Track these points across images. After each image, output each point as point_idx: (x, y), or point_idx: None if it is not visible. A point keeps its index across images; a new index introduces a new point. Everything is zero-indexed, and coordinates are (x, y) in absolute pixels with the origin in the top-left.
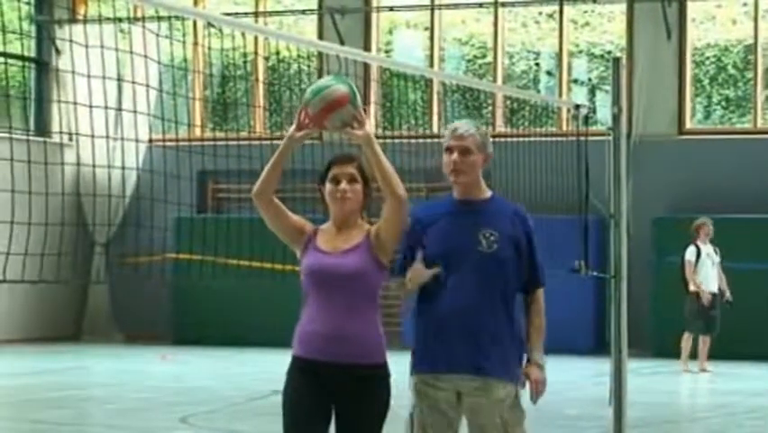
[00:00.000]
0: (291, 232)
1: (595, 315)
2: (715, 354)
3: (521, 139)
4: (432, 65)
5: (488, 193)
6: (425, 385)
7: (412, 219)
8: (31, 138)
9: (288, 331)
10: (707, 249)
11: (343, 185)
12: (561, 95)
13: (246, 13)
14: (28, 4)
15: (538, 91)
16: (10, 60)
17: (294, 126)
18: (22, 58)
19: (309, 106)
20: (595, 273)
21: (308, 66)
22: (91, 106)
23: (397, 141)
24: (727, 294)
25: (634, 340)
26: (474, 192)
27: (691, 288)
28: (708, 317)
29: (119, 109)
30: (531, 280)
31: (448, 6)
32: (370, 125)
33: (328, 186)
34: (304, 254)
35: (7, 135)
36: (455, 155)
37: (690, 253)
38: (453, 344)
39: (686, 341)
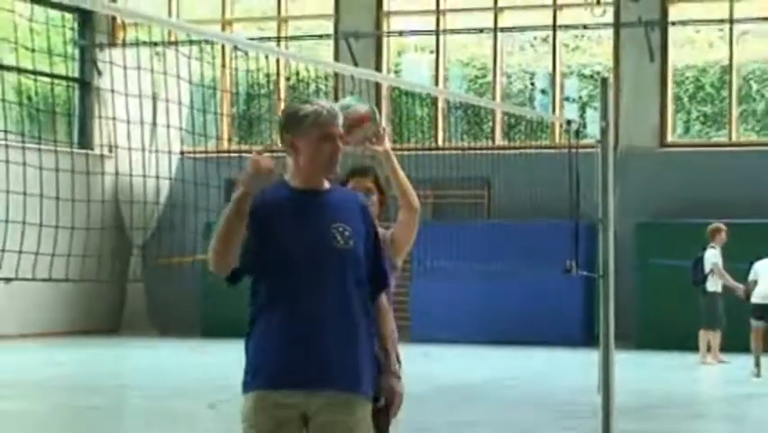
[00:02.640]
0: None
1: (584, 310)
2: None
3: (518, 151)
4: (437, 84)
5: (326, 182)
6: (265, 404)
7: (255, 204)
8: (74, 151)
9: None
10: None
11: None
12: (554, 111)
13: (269, 38)
14: (72, 29)
15: (533, 108)
16: (56, 80)
17: None
18: (66, 78)
19: None
20: (584, 273)
21: (325, 85)
22: (129, 122)
23: (405, 153)
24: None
25: (619, 334)
26: (316, 181)
27: (712, 288)
28: (720, 315)
29: (154, 124)
30: (377, 282)
31: (452, 31)
32: (389, 142)
33: None
34: None
35: (53, 148)
36: (335, 143)
37: (714, 255)
38: (303, 355)
39: (704, 336)
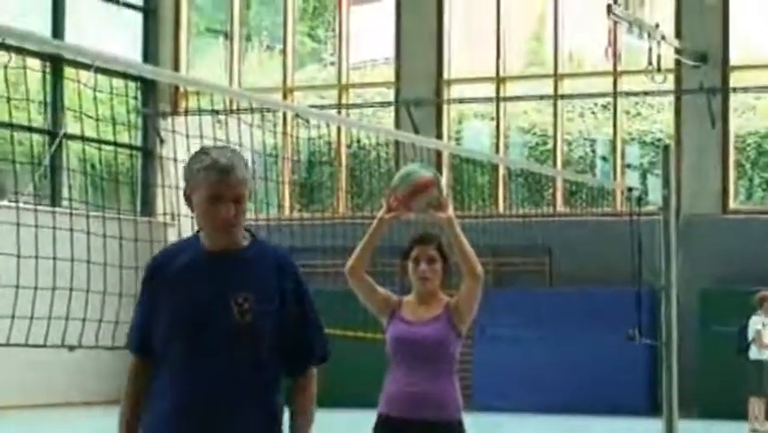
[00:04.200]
0: (379, 304)
1: (647, 378)
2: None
3: (579, 218)
4: (498, 151)
5: (248, 238)
6: None
7: (150, 270)
8: (137, 218)
9: (373, 393)
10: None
11: (423, 266)
12: (615, 178)
13: (330, 106)
14: (135, 98)
15: (594, 175)
16: (119, 149)
17: (384, 209)
18: (129, 147)
19: (398, 190)
20: (647, 341)
21: (386, 153)
22: None
23: (467, 220)
24: None
25: (683, 402)
26: (232, 239)
27: (755, 355)
28: (765, 382)
29: None
30: (299, 357)
31: (512, 99)
32: (452, 209)
33: (410, 264)
34: (389, 324)
35: (117, 216)
36: (227, 206)
37: (758, 322)
38: None
39: (753, 404)
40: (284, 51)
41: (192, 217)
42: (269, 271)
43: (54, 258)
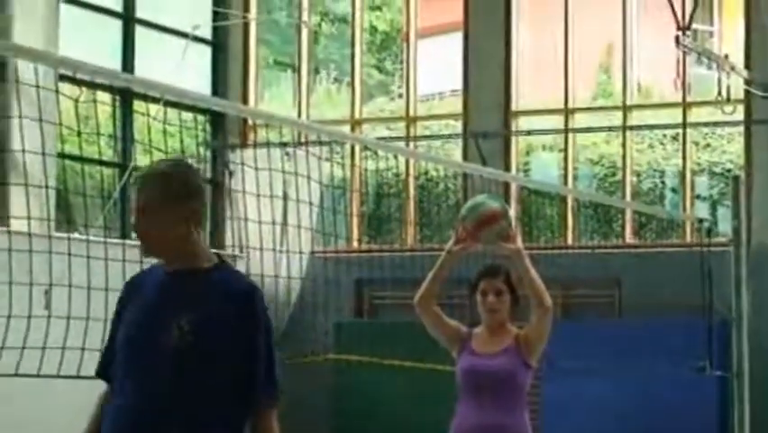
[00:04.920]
0: (448, 336)
1: (719, 411)
2: None
3: (649, 250)
4: (566, 183)
5: (210, 262)
6: None
7: (122, 291)
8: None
9: (443, 425)
10: None
11: (491, 298)
12: (685, 209)
13: (398, 138)
14: (204, 131)
15: (664, 206)
16: None
17: (452, 241)
18: None
19: (466, 222)
20: (719, 373)
21: (454, 185)
22: (260, 222)
23: (535, 252)
24: None
25: None
26: (192, 259)
27: None
28: None
29: (284, 224)
30: (249, 395)
31: (580, 130)
32: (520, 241)
33: (478, 297)
34: (459, 356)
35: None
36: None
37: None
38: None
39: None
40: (352, 84)
41: (260, 249)
42: (220, 297)
43: None
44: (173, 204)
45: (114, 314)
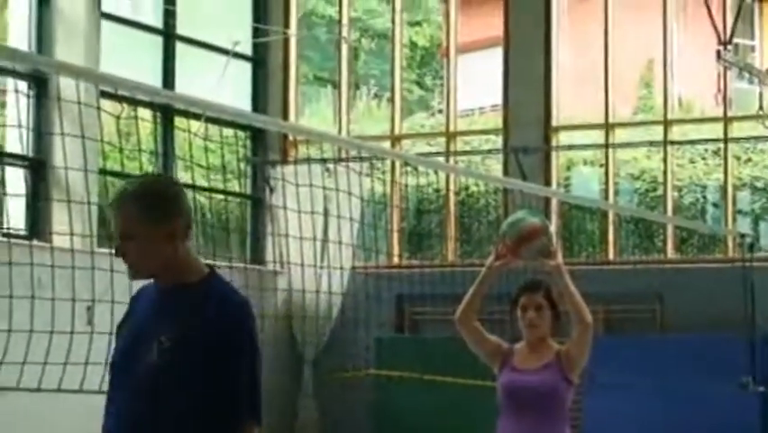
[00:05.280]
0: (489, 352)
1: (762, 429)
2: None
3: (691, 265)
4: (607, 198)
5: (199, 275)
6: None
7: (127, 306)
8: (247, 267)
9: None
10: None
11: (531, 313)
12: (726, 224)
13: (438, 153)
14: (245, 147)
15: (705, 221)
16: (229, 197)
17: (492, 256)
18: (239, 195)
19: (506, 238)
20: (761, 389)
21: (495, 200)
22: (301, 238)
23: (576, 267)
24: None
25: None
26: (180, 275)
27: None
28: None
29: (325, 240)
30: (231, 416)
31: (621, 145)
32: (561, 256)
33: (519, 312)
34: (500, 372)
35: (227, 264)
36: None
37: None
38: None
39: None
40: (392, 99)
41: (301, 265)
42: (204, 311)
43: None
44: (154, 225)
45: (117, 328)
